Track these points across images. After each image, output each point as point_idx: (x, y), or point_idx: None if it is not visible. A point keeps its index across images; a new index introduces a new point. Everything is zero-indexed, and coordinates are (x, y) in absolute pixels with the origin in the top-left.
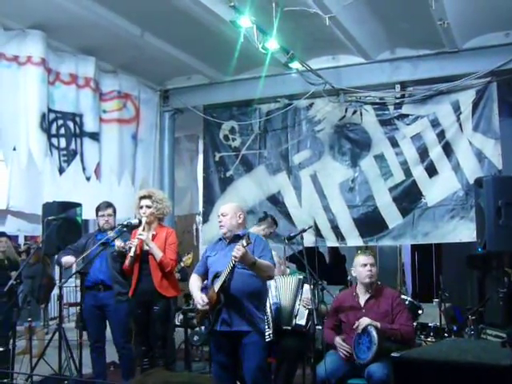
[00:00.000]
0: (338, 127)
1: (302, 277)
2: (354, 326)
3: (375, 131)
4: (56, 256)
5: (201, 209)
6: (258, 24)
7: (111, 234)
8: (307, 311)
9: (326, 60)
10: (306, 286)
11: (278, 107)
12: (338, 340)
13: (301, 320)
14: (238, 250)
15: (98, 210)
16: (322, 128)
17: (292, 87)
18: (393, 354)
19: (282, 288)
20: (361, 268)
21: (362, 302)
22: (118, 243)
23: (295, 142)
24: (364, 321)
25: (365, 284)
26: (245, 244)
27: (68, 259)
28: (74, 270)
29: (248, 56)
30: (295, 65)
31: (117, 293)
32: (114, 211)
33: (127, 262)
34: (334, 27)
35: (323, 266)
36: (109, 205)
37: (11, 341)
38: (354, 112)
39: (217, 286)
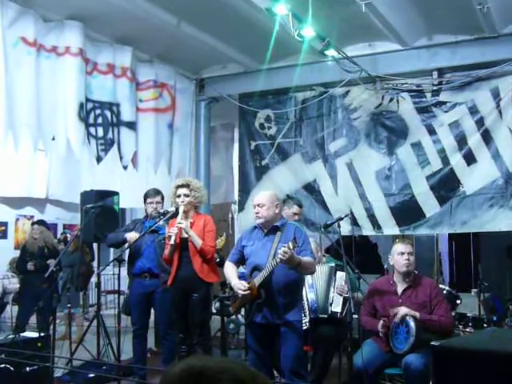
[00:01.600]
0: (374, 115)
1: (333, 264)
2: (391, 313)
3: (412, 119)
4: (108, 236)
5: (236, 197)
6: (294, 11)
7: (160, 222)
8: (342, 298)
9: (363, 47)
10: (340, 274)
11: (314, 95)
12: (382, 323)
13: (336, 307)
14: (284, 253)
15: (146, 196)
16: (358, 116)
17: (328, 75)
18: (432, 343)
19: (318, 276)
20: (398, 256)
21: (399, 290)
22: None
23: (331, 130)
24: (402, 310)
25: (402, 273)
26: (291, 247)
27: (132, 234)
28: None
29: (283, 44)
30: (331, 52)
31: (163, 281)
32: (162, 198)
33: (167, 251)
34: (371, 13)
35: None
36: (157, 192)
37: (51, 326)
38: (391, 100)
39: (257, 281)
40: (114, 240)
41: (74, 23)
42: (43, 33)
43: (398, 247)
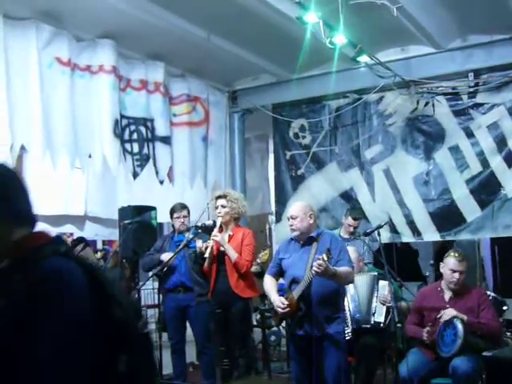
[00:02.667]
0: (409, 120)
1: (376, 273)
2: (438, 316)
3: (449, 122)
4: (141, 260)
5: (273, 208)
6: (324, 19)
7: (188, 235)
8: (385, 308)
9: (395, 52)
10: (382, 283)
11: (348, 102)
12: (427, 329)
13: (379, 317)
14: (319, 265)
15: (172, 211)
16: (394, 121)
17: (361, 81)
18: (485, 353)
19: (360, 286)
20: (448, 272)
21: (446, 297)
22: (199, 244)
23: (366, 137)
24: (450, 312)
25: (448, 285)
26: (325, 259)
27: (166, 255)
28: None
29: (315, 52)
30: (363, 58)
31: (197, 294)
32: (188, 212)
33: (206, 263)
34: (403, 17)
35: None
36: (183, 206)
37: None
38: (426, 104)
39: (296, 293)
40: (149, 264)
41: (106, 41)
42: (77, 52)
43: (450, 262)
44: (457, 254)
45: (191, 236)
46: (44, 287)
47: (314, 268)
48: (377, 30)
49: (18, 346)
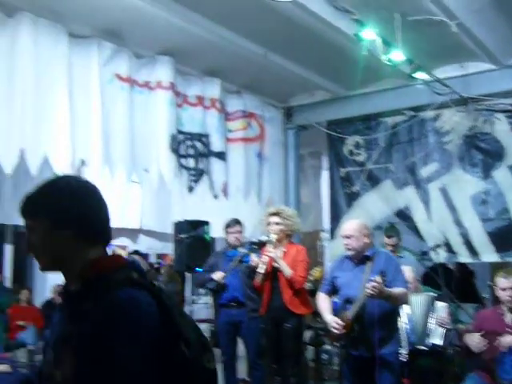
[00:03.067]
0: (467, 138)
1: (433, 294)
2: (496, 343)
3: (509, 140)
4: (194, 279)
5: (326, 225)
6: (382, 36)
7: (242, 250)
8: (442, 330)
9: (453, 68)
10: (440, 304)
11: (404, 120)
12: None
13: (435, 339)
14: (373, 287)
15: (227, 226)
16: (451, 139)
17: (417, 98)
18: None
19: (416, 306)
20: (501, 292)
21: (507, 320)
22: (255, 259)
23: (422, 155)
24: (509, 340)
25: (507, 306)
26: (380, 281)
27: (219, 274)
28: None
29: (371, 69)
30: (420, 75)
31: (250, 309)
32: (242, 227)
33: (257, 278)
34: (462, 33)
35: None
36: (237, 221)
37: None
38: (485, 121)
39: (350, 314)
40: (202, 283)
41: (164, 58)
42: (136, 69)
43: (499, 282)
44: (503, 272)
45: (245, 251)
46: (121, 318)
47: (368, 290)
48: (435, 46)
49: (93, 374)
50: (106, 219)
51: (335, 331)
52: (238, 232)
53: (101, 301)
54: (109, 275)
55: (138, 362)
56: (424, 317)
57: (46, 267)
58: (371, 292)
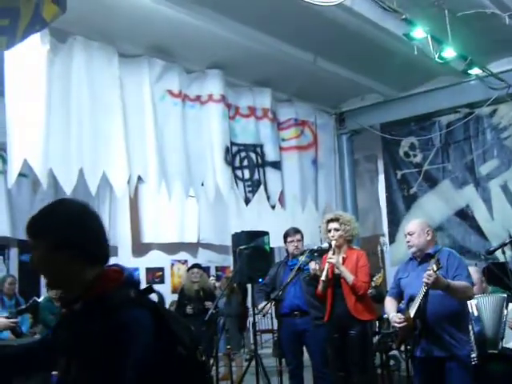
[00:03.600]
0: None
1: (505, 295)
2: None
3: None
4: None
5: (385, 229)
6: (432, 33)
7: (302, 258)
8: None
9: (508, 62)
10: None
11: (459, 118)
12: None
13: (509, 343)
14: (428, 276)
15: (286, 236)
16: (509, 135)
17: (472, 95)
18: None
19: (484, 307)
20: None
21: None
22: (314, 266)
23: (480, 152)
24: None
25: None
26: (435, 269)
27: (265, 308)
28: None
29: (422, 68)
30: (474, 71)
31: (313, 317)
32: (302, 236)
33: (320, 286)
34: None
35: None
36: (297, 230)
37: (213, 368)
38: None
39: (412, 311)
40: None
41: (214, 72)
42: (187, 84)
43: None
44: None
45: (306, 259)
46: (124, 337)
47: (424, 279)
48: (487, 40)
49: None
50: (105, 241)
51: (397, 325)
52: (298, 241)
53: (104, 323)
54: (108, 295)
55: (137, 371)
56: (496, 319)
57: (49, 285)
58: (426, 281)
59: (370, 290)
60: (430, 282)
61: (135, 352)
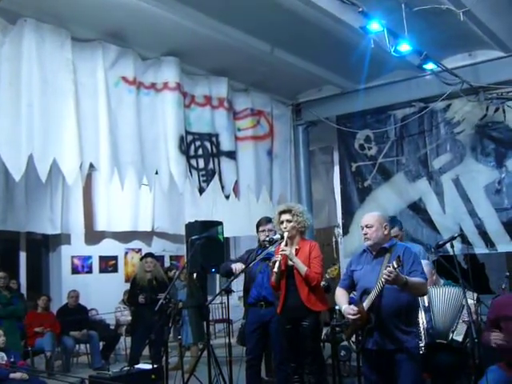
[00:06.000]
0: (479, 127)
1: (462, 290)
2: None
3: None
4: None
5: (339, 221)
6: (388, 27)
7: (272, 249)
8: (465, 326)
9: (462, 57)
10: (469, 299)
11: (414, 111)
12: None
13: (458, 336)
14: (389, 272)
15: (258, 225)
16: (462, 129)
17: (427, 90)
18: None
19: (437, 299)
20: None
21: None
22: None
23: (434, 147)
24: None
25: None
26: (396, 266)
27: (238, 265)
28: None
29: (378, 62)
30: (429, 66)
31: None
32: (274, 226)
33: (272, 277)
34: (469, 22)
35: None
36: (269, 220)
37: (164, 358)
38: (496, 110)
39: (366, 304)
40: (223, 270)
41: (170, 59)
42: (142, 71)
43: None
44: None
45: (272, 250)
46: None
47: (384, 276)
48: (442, 36)
49: None
50: None
51: (351, 317)
52: (270, 230)
53: None
54: None
55: None
56: (452, 312)
57: None
58: (387, 278)
59: (322, 282)
60: (390, 279)
61: None
